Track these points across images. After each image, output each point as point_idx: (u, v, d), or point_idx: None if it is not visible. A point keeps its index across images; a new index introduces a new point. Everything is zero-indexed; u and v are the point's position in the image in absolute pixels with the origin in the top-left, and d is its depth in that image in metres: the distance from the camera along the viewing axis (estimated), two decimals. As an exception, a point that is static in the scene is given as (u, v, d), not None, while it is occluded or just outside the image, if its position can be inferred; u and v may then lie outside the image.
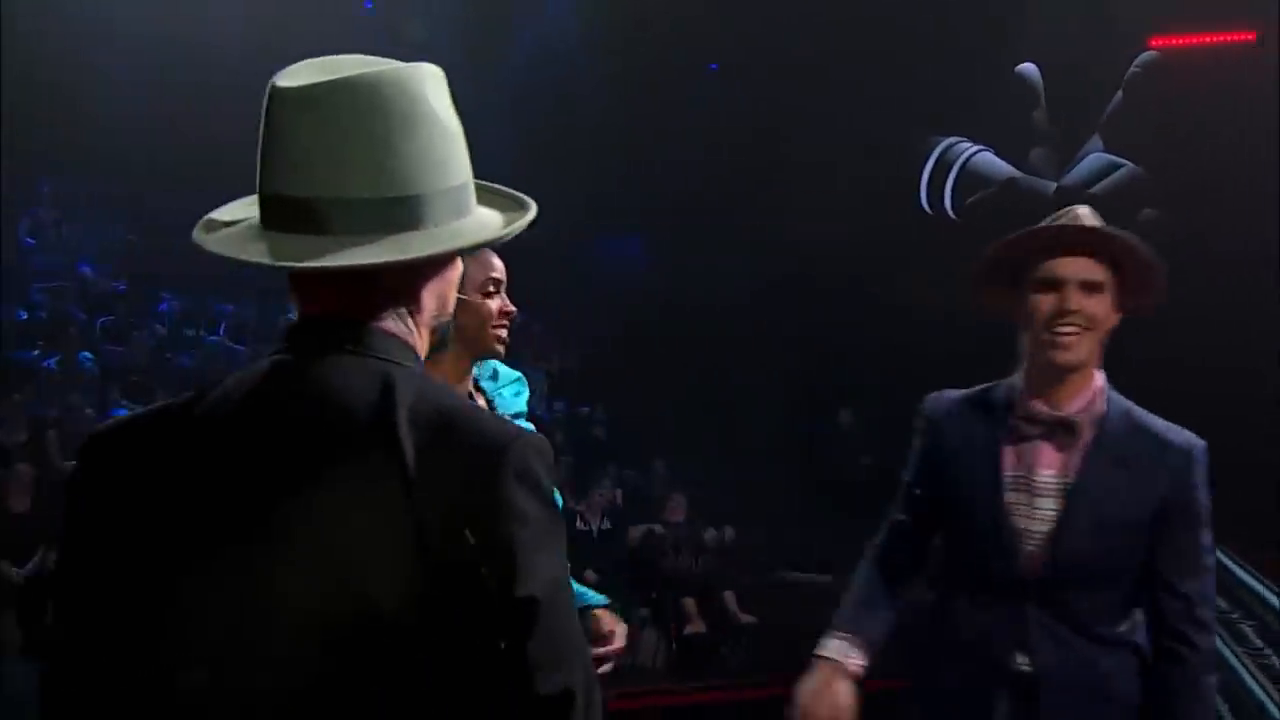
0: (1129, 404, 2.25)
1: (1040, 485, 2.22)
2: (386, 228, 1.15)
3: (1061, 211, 2.27)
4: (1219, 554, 3.87)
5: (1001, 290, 2.25)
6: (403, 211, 1.15)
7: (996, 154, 10.27)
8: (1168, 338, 7.56)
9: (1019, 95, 10.05)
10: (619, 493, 8.39)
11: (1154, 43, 9.32)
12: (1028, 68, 10.04)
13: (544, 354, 10.18)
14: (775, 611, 7.33)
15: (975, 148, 10.29)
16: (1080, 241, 2.18)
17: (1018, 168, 10.19)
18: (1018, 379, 2.27)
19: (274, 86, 1.16)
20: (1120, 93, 9.62)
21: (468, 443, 1.11)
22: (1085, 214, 2.24)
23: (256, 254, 1.15)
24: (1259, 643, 4.78)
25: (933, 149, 10.49)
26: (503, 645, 1.07)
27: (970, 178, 10.29)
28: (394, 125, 1.15)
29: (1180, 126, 8.89)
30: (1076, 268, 2.17)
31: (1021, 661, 2.19)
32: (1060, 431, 2.21)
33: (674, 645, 7.11)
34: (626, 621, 2.32)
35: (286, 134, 1.15)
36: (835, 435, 9.76)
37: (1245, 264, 8.16)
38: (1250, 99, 8.33)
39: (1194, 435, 2.22)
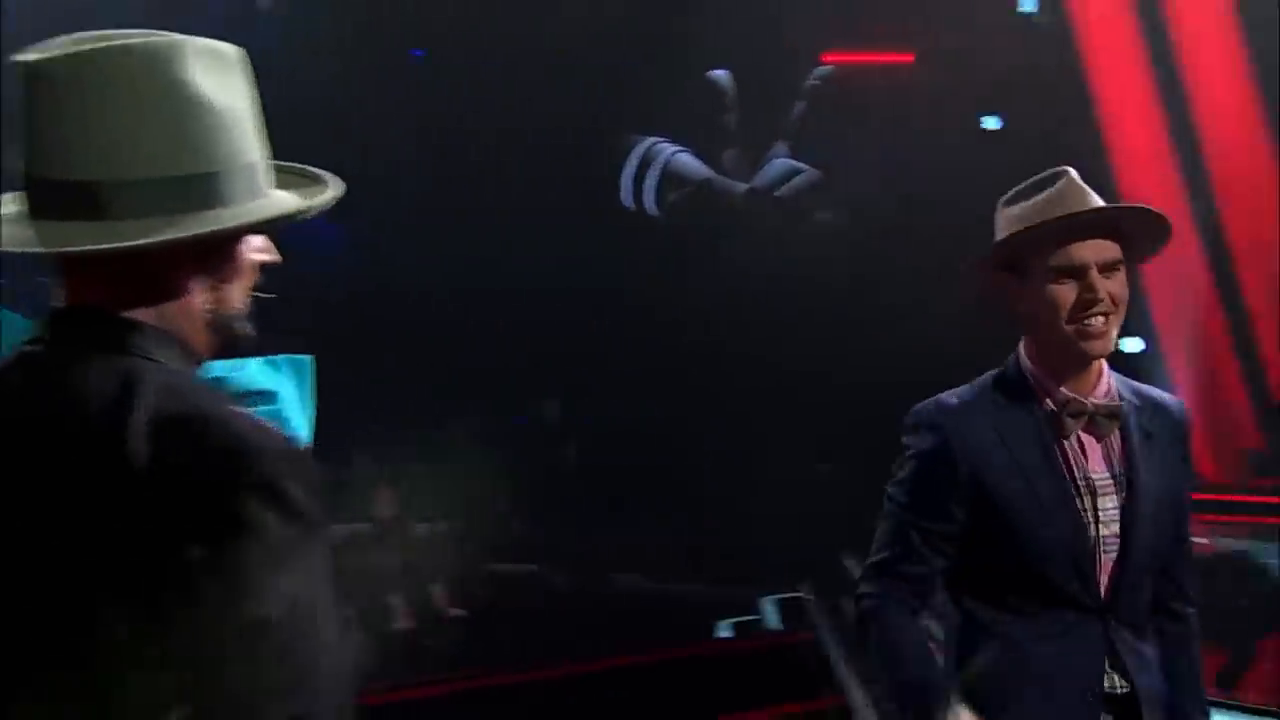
0: (1121, 376, 2.10)
1: (1098, 484, 2.03)
2: (165, 210, 1.07)
3: (1046, 176, 2.02)
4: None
5: (1006, 283, 2.03)
6: (182, 192, 1.08)
7: (695, 155, 10.74)
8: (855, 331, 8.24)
9: (712, 99, 10.57)
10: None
11: (825, 59, 10.09)
12: (720, 74, 10.56)
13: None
14: (482, 603, 7.37)
15: (675, 148, 10.71)
16: (1098, 224, 1.97)
17: (712, 169, 10.72)
18: (1026, 369, 2.03)
19: (24, 62, 1.07)
20: (801, 102, 10.34)
21: (211, 448, 1.04)
22: (1077, 178, 2.01)
23: (22, 242, 1.06)
24: None
25: (632, 147, 10.83)
26: (229, 670, 1.00)
27: (671, 177, 10.71)
28: (160, 100, 1.07)
29: (852, 136, 9.69)
30: (1096, 250, 1.96)
31: (1115, 684, 1.99)
32: (1101, 421, 2.02)
33: (381, 642, 6.99)
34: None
35: (50, 112, 1.05)
36: (542, 428, 9.90)
37: (914, 267, 9.02)
38: (910, 114, 9.25)
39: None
